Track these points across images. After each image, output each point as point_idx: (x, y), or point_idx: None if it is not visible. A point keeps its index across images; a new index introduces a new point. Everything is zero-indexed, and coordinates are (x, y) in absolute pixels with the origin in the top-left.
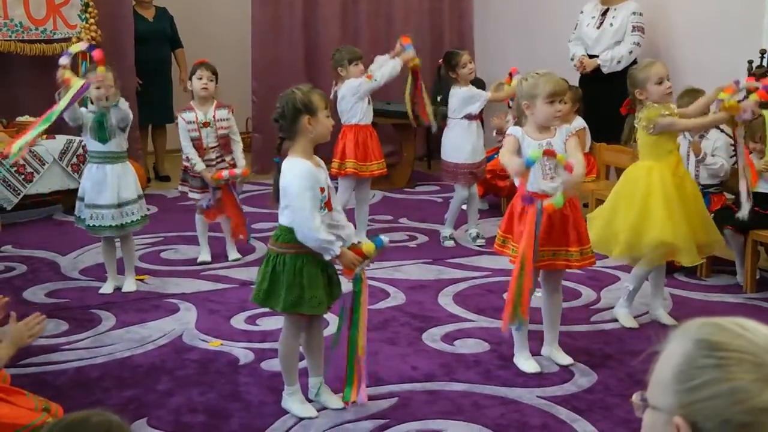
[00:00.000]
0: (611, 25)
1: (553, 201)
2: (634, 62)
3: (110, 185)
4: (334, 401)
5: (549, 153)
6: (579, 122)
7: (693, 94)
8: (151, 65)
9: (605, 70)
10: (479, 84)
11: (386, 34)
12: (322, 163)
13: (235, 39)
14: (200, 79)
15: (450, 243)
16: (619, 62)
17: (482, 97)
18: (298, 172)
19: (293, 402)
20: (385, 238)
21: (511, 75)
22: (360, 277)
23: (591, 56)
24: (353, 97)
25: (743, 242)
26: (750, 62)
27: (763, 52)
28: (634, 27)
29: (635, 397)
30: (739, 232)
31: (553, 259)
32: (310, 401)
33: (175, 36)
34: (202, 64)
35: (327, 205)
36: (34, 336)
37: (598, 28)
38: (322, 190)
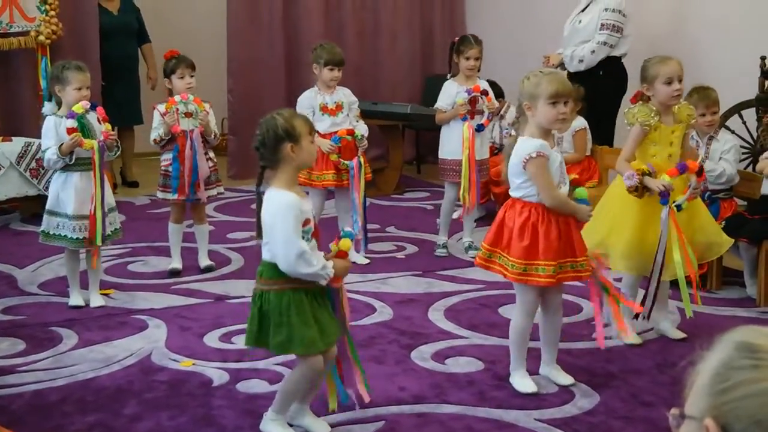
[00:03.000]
0: (579, 22)
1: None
2: (605, 62)
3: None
4: (318, 426)
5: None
6: (580, 122)
7: (702, 91)
8: (116, 62)
9: (569, 69)
10: None
11: (373, 29)
12: (304, 193)
13: (210, 33)
14: (182, 78)
15: (443, 252)
16: (581, 61)
17: (440, 102)
18: (281, 204)
19: (275, 426)
20: (350, 229)
21: (474, 101)
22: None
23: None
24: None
25: (756, 254)
26: (763, 58)
27: None
28: (602, 25)
29: (672, 413)
30: (752, 243)
31: (571, 271)
32: (290, 426)
33: (142, 30)
34: (180, 59)
35: (314, 236)
36: None
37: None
38: (308, 221)
